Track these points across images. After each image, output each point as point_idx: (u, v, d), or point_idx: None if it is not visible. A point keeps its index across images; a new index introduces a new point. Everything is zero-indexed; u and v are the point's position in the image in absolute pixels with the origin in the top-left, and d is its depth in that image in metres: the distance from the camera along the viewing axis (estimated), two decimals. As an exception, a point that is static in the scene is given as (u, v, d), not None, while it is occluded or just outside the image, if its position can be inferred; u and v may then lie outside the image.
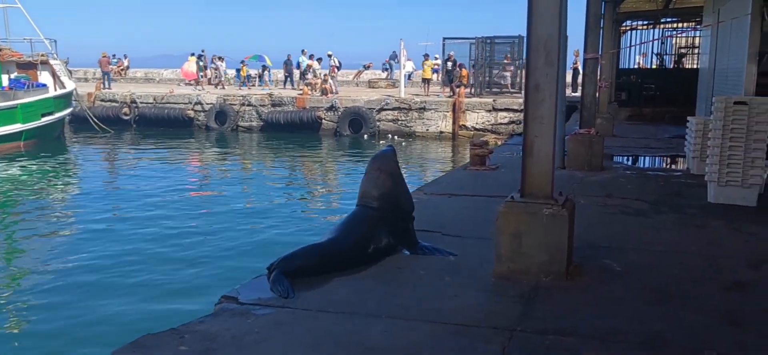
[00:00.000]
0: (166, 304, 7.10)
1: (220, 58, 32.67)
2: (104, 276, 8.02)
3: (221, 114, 25.15)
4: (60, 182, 15.81)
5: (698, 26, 19.67)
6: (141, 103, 26.26)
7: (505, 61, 26.31)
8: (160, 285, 7.76)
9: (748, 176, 6.18)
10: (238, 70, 31.94)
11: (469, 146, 8.97)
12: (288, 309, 3.60)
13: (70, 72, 24.10)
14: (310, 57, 29.21)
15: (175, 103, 26.01)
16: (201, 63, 31.97)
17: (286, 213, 12.10)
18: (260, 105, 25.09)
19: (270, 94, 25.74)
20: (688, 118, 8.84)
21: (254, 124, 25.10)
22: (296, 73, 29.73)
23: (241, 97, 25.72)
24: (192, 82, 31.56)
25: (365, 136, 23.09)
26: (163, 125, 25.19)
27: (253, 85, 30.67)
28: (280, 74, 32.19)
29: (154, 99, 26.42)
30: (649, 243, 4.94)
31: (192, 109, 25.75)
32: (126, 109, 25.99)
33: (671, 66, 21.40)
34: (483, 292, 3.85)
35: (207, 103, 25.68)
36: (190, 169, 18.20)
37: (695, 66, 19.78)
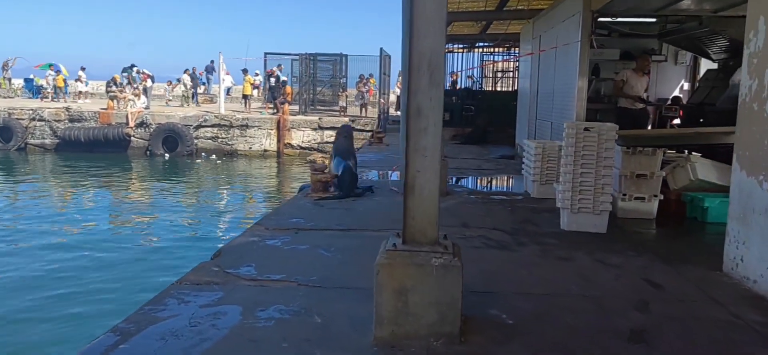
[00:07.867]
0: None
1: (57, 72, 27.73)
2: None
3: (5, 130, 21.60)
4: None
5: (512, 51, 20.99)
6: None
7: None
8: None
9: (599, 203, 6.14)
10: (27, 79, 27.91)
11: (310, 170, 8.17)
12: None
13: None
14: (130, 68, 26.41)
15: (-57, 118, 21.90)
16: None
17: (90, 253, 10.26)
18: (55, 120, 21.96)
19: (67, 108, 22.66)
20: (526, 140, 8.91)
21: (48, 142, 21.90)
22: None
23: (30, 111, 22.29)
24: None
25: (182, 154, 21.21)
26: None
27: (46, 98, 26.90)
28: (80, 86, 28.64)
29: None
30: (528, 284, 4.52)
31: (-33, 125, 21.81)
32: None
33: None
34: (366, 369, 3.06)
35: (-14, 118, 21.90)
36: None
37: (510, 89, 21.10)
